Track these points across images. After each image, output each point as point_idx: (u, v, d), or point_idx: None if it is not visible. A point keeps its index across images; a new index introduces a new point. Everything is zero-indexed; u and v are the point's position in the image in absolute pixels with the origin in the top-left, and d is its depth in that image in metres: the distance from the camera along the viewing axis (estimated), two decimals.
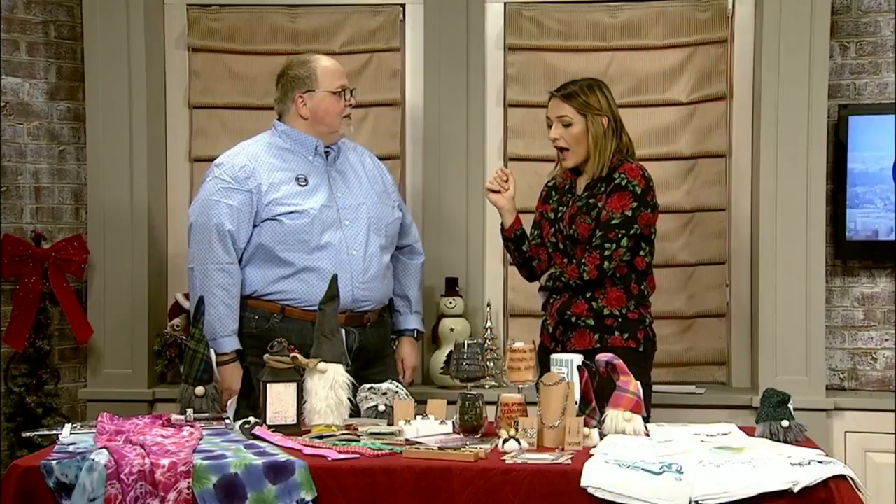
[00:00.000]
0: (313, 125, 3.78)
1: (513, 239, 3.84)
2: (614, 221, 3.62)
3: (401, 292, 4.01)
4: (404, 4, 4.69)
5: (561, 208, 3.78)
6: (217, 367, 3.50)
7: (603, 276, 3.65)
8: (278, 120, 3.84)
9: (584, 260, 3.65)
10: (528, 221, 3.93)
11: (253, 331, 3.69)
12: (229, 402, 3.41)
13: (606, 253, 3.62)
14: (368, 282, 3.73)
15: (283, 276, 3.68)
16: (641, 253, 3.71)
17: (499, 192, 3.82)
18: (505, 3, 4.65)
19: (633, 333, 3.68)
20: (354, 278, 3.69)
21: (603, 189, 3.68)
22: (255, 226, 3.69)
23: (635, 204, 3.63)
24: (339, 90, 3.77)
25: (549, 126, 3.76)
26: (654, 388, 3.87)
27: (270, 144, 3.79)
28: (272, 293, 3.69)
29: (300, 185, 3.71)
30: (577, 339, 3.68)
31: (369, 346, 3.75)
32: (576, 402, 3.02)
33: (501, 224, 3.86)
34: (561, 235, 3.75)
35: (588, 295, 3.68)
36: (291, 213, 3.67)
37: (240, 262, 3.71)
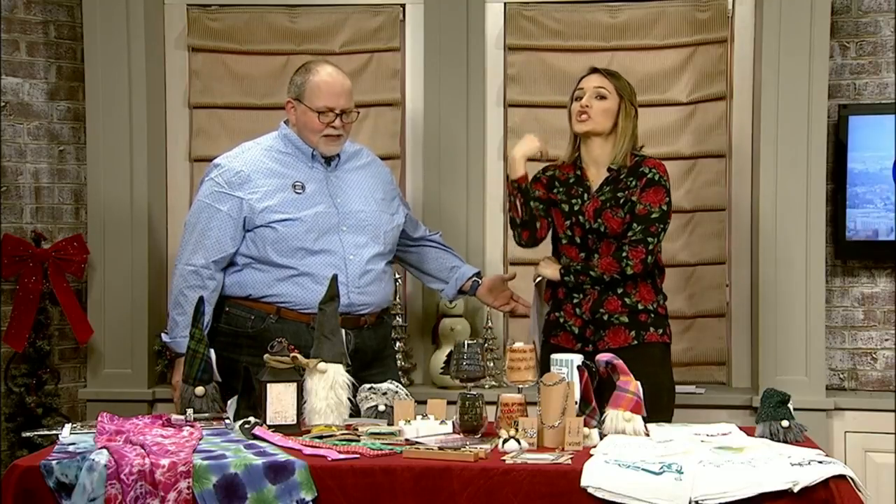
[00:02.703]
0: (300, 133, 3.78)
1: (524, 189, 3.71)
2: (654, 215, 3.62)
3: (445, 265, 4.03)
4: (404, 4, 4.69)
5: (576, 201, 3.74)
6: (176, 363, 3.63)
7: (646, 270, 3.64)
8: (285, 121, 3.83)
9: (625, 254, 3.62)
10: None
11: (249, 330, 3.70)
12: (229, 402, 3.41)
13: (650, 247, 3.62)
14: (364, 286, 3.71)
15: (280, 280, 3.68)
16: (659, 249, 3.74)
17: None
18: (505, 3, 4.65)
19: (665, 328, 3.69)
20: (350, 283, 3.68)
21: (634, 183, 3.67)
22: (248, 230, 3.69)
23: (668, 199, 3.67)
24: (322, 110, 3.70)
25: (577, 100, 3.71)
26: None
27: (271, 148, 3.78)
28: (268, 295, 3.70)
29: (296, 193, 3.71)
30: (611, 338, 3.65)
31: (366, 347, 3.74)
32: (576, 402, 3.02)
33: (509, 176, 3.74)
34: (580, 229, 3.72)
35: (620, 291, 3.65)
36: (285, 220, 3.67)
37: (233, 265, 3.72)
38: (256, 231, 3.68)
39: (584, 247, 3.71)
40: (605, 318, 3.66)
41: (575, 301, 3.71)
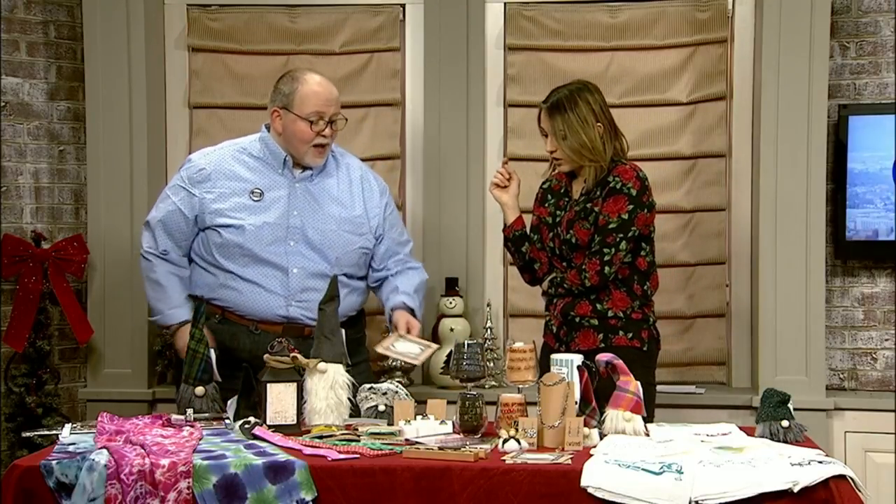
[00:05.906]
0: (285, 143, 3.74)
1: (512, 239, 3.83)
2: (611, 226, 3.62)
3: (392, 288, 3.87)
4: (404, 4, 4.69)
5: (559, 212, 3.77)
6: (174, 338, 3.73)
7: (604, 281, 3.64)
8: (266, 125, 3.81)
9: (584, 266, 3.65)
10: (528, 222, 3.92)
11: None
12: (229, 402, 3.41)
13: (606, 258, 3.62)
14: (305, 301, 3.66)
15: (222, 284, 3.72)
16: (642, 253, 3.70)
17: (504, 187, 3.82)
18: (505, 3, 4.65)
19: (636, 333, 3.67)
20: (291, 296, 3.67)
21: (599, 193, 3.67)
22: (201, 230, 3.73)
23: (631, 206, 3.63)
24: (313, 118, 3.66)
25: (544, 136, 3.74)
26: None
27: (244, 150, 3.77)
28: (213, 298, 3.73)
29: (252, 200, 3.70)
30: (581, 339, 3.67)
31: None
32: (576, 402, 3.02)
33: (504, 223, 3.86)
34: (559, 240, 3.74)
35: (592, 297, 3.67)
36: (229, 226, 3.68)
37: (192, 261, 3.79)
38: (206, 232, 3.72)
39: (563, 257, 3.73)
40: (577, 320, 3.69)
41: (555, 303, 3.77)
